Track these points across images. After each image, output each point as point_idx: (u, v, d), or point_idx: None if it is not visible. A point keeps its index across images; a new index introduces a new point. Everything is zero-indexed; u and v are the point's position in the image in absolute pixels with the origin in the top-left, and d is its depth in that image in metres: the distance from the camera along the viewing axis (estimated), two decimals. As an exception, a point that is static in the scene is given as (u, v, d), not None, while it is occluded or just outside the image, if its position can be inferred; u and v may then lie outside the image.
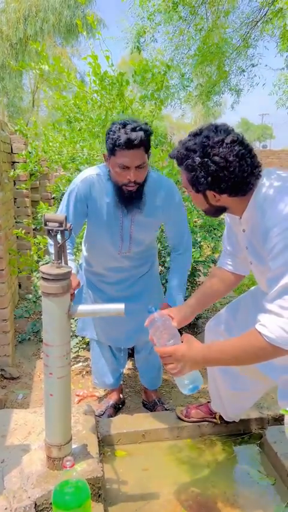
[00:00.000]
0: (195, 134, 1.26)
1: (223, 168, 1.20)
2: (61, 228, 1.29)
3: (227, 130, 1.24)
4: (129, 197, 1.68)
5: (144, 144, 1.59)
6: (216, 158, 1.19)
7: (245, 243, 1.41)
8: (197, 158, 1.21)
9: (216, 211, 1.34)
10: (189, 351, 1.28)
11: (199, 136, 1.24)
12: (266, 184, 1.27)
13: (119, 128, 1.57)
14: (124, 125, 1.57)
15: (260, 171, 1.26)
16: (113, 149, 1.59)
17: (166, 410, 2.14)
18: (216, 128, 1.23)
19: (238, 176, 1.21)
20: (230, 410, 1.83)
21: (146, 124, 1.62)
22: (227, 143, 1.20)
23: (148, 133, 1.60)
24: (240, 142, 1.22)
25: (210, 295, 1.61)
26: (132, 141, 1.54)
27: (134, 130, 1.55)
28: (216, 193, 1.26)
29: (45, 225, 1.31)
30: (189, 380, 1.35)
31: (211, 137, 1.21)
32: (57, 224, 1.29)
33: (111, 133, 1.58)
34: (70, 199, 1.75)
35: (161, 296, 2.11)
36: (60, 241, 1.32)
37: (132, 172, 1.61)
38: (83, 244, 2.02)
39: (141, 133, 1.55)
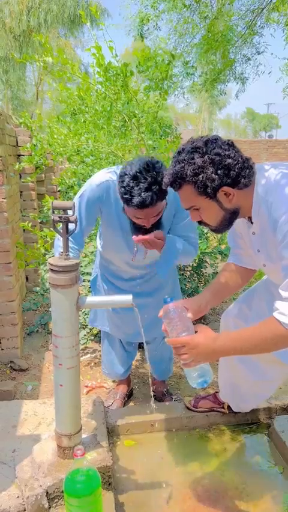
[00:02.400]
0: (178, 153, 1.26)
1: (227, 156, 1.21)
2: (69, 215, 1.29)
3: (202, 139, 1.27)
4: (146, 231, 1.60)
5: (160, 198, 1.47)
6: (216, 150, 1.21)
7: (256, 246, 1.40)
8: (199, 159, 1.20)
9: (231, 217, 1.31)
10: (206, 340, 1.27)
11: (182, 153, 1.24)
12: (264, 176, 1.27)
13: (132, 186, 1.42)
14: (137, 181, 1.42)
15: (251, 161, 1.28)
16: (124, 201, 1.49)
17: (174, 401, 2.16)
18: (192, 143, 1.26)
19: (240, 160, 1.23)
20: (250, 399, 1.84)
21: (161, 166, 1.47)
22: (212, 140, 1.24)
23: (165, 185, 1.43)
24: (218, 139, 1.27)
25: (224, 288, 1.59)
26: (145, 204, 1.43)
27: (148, 189, 1.42)
28: (228, 191, 1.24)
29: (53, 212, 1.30)
30: (200, 373, 1.35)
31: (196, 144, 1.24)
32: (64, 211, 1.29)
33: (123, 189, 1.45)
34: (82, 202, 1.67)
35: (179, 293, 2.07)
36: (67, 232, 1.32)
37: (147, 223, 1.54)
38: (98, 237, 1.98)
39: (155, 192, 1.43)
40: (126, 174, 1.45)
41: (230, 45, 6.25)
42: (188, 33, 6.46)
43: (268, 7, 5.91)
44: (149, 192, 1.42)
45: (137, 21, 6.11)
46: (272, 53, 6.77)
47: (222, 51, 6.20)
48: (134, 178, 1.43)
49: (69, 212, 1.31)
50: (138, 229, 1.61)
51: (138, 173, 1.43)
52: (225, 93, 8.02)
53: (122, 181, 1.46)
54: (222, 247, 3.05)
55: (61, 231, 1.33)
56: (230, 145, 1.25)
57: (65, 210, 1.30)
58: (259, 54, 6.60)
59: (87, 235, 1.79)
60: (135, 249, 1.77)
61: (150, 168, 1.45)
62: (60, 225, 1.35)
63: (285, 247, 1.19)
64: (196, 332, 1.32)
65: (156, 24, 6.14)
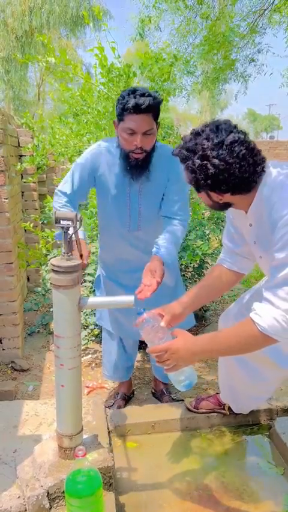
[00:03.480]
0: (196, 134, 1.24)
1: (223, 171, 1.18)
2: (72, 225, 1.30)
3: (229, 129, 1.20)
4: (136, 165, 1.68)
5: (153, 110, 1.60)
6: (216, 161, 1.17)
7: (253, 237, 1.41)
8: (197, 160, 1.20)
9: (221, 207, 1.33)
10: (185, 344, 1.29)
11: (200, 137, 1.22)
12: (272, 176, 1.27)
13: (128, 93, 1.59)
14: (134, 91, 1.59)
15: (263, 167, 1.24)
16: (121, 113, 1.61)
17: (173, 400, 2.16)
18: (217, 128, 1.20)
19: (238, 177, 1.20)
20: (248, 401, 1.84)
21: (157, 92, 1.63)
22: (226, 145, 1.17)
23: (157, 100, 1.61)
24: (241, 141, 1.19)
25: (206, 292, 1.59)
26: (139, 105, 1.55)
27: (142, 95, 1.57)
28: (218, 194, 1.26)
29: (57, 222, 1.31)
30: (184, 376, 1.38)
31: (211, 139, 1.19)
32: (68, 221, 1.30)
33: (121, 98, 1.61)
34: (76, 169, 1.76)
35: (182, 289, 2.08)
36: (70, 234, 1.32)
37: (139, 138, 1.61)
38: (99, 234, 2.03)
39: (149, 98, 1.57)
40: (126, 90, 1.62)
41: (232, 47, 6.25)
42: (190, 34, 6.47)
43: (270, 8, 5.91)
44: (145, 98, 1.56)
45: (138, 22, 6.12)
46: (273, 53, 6.76)
47: (223, 53, 6.21)
48: (132, 91, 1.60)
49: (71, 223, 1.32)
50: (131, 164, 1.68)
51: (137, 88, 1.62)
52: (226, 91, 8.03)
53: (121, 94, 1.63)
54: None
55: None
56: (241, 157, 1.17)
57: (68, 220, 1.31)
58: (259, 52, 6.62)
59: (78, 199, 1.82)
60: (128, 216, 1.81)
61: (147, 89, 1.63)
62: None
63: (279, 250, 1.20)
64: (176, 337, 1.34)
65: (157, 25, 6.15)
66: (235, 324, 1.30)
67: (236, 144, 1.17)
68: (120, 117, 1.63)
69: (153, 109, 1.59)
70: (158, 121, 1.67)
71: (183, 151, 1.24)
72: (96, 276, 2.15)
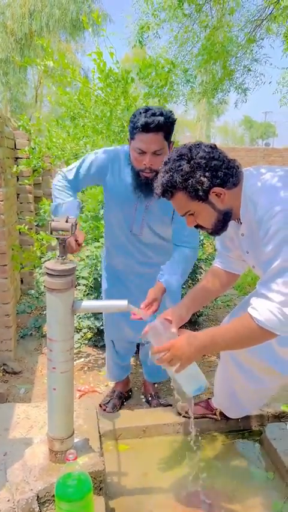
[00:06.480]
0: (165, 163, 1.29)
1: (211, 158, 1.25)
2: (67, 236, 1.31)
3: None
4: (146, 183, 1.67)
5: (163, 129, 1.58)
6: (201, 154, 1.25)
7: (245, 247, 1.42)
8: (186, 165, 1.23)
9: (224, 218, 1.33)
10: (188, 340, 1.31)
11: (170, 161, 1.27)
12: (251, 178, 1.31)
13: (140, 112, 1.58)
14: (146, 110, 1.59)
15: (235, 160, 1.32)
16: (132, 132, 1.61)
17: (161, 404, 2.16)
18: (178, 150, 1.29)
19: (225, 160, 1.27)
20: (247, 404, 1.85)
21: (171, 111, 1.62)
22: (195, 146, 1.28)
23: (170, 120, 1.59)
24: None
25: (204, 293, 1.62)
26: (149, 124, 1.54)
27: (154, 114, 1.56)
28: (219, 191, 1.26)
29: (51, 233, 1.32)
30: (194, 380, 1.38)
31: (180, 151, 1.26)
32: (63, 232, 1.31)
33: (133, 116, 1.61)
34: (85, 162, 1.76)
35: (178, 296, 2.08)
36: (65, 239, 1.33)
37: (148, 158, 1.60)
38: (104, 237, 2.06)
39: (160, 118, 1.55)
40: (139, 109, 1.61)
41: (230, 56, 6.30)
42: (189, 42, 6.52)
43: (267, 17, 5.98)
44: (155, 117, 1.55)
45: (137, 29, 6.16)
46: (271, 64, 6.83)
47: (222, 62, 6.25)
48: (144, 110, 1.59)
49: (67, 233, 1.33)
50: (140, 183, 1.68)
51: (150, 107, 1.60)
52: (226, 102, 8.09)
53: (133, 114, 1.62)
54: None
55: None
56: (213, 147, 1.29)
57: (64, 231, 1.32)
58: (256, 61, 6.68)
59: (79, 189, 1.85)
60: (133, 220, 1.81)
61: (161, 108, 1.61)
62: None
63: (266, 244, 1.22)
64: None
65: (157, 32, 6.18)
66: (234, 319, 1.31)
67: (198, 145, 1.28)
68: (132, 135, 1.62)
69: (164, 128, 1.57)
70: (172, 140, 1.66)
71: (166, 178, 1.25)
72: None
